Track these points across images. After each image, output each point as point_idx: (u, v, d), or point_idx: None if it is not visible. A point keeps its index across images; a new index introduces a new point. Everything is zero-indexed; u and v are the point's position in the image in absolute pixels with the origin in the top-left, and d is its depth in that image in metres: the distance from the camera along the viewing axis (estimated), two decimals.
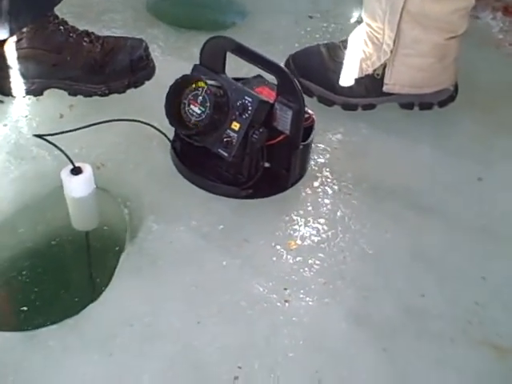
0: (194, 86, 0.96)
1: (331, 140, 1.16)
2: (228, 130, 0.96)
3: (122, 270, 0.91)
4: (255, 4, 1.58)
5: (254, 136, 0.94)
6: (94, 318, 0.85)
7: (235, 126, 0.95)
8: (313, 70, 1.20)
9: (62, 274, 0.98)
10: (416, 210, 1.04)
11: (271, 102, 0.96)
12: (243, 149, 0.96)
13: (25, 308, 0.91)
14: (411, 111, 1.23)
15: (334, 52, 1.20)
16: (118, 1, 1.50)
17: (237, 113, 0.95)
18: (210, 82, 0.95)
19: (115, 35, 1.21)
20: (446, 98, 1.22)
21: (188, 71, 1.02)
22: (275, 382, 0.79)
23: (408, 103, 1.21)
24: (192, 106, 0.96)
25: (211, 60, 1.02)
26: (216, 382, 0.78)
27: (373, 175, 1.09)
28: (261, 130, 0.95)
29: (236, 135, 0.95)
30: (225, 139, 0.96)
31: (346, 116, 1.21)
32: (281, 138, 0.99)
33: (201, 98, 0.95)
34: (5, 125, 1.13)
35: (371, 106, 1.21)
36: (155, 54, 1.31)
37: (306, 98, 1.18)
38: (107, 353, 0.80)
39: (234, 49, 0.99)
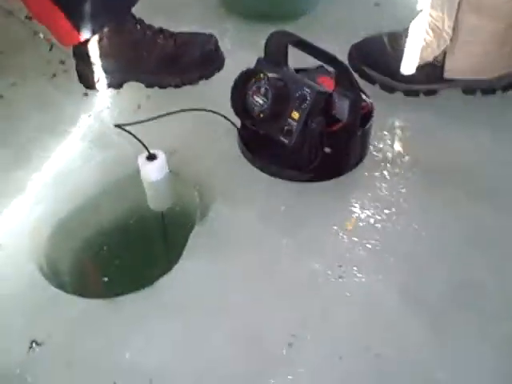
0: (256, 78, 1.03)
1: (392, 126, 1.21)
2: (288, 119, 1.02)
3: (191, 247, 1.01)
4: None
5: (313, 124, 1.01)
6: (166, 290, 0.94)
7: (295, 115, 1.02)
8: (375, 58, 1.25)
9: (138, 249, 1.09)
10: (473, 195, 1.07)
11: (329, 92, 1.02)
12: (303, 136, 1.03)
13: (106, 278, 1.03)
14: (474, 97, 1.25)
15: (396, 41, 1.23)
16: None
17: (296, 103, 1.01)
18: (271, 74, 1.02)
19: (187, 31, 1.30)
20: (509, 83, 1.23)
21: None
22: (327, 351, 0.86)
23: (470, 89, 1.24)
24: (255, 97, 1.04)
25: (274, 53, 1.09)
26: (272, 350, 0.86)
27: (431, 159, 1.13)
28: (319, 119, 1.01)
29: (296, 124, 1.02)
30: (286, 127, 1.03)
31: (407, 102, 1.25)
32: (340, 125, 1.05)
33: (263, 89, 1.02)
34: (89, 115, 1.25)
35: (433, 92, 1.24)
36: (226, 46, 1.39)
37: (368, 86, 1.26)
38: (178, 320, 0.90)
39: (295, 43, 1.05)
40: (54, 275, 1.04)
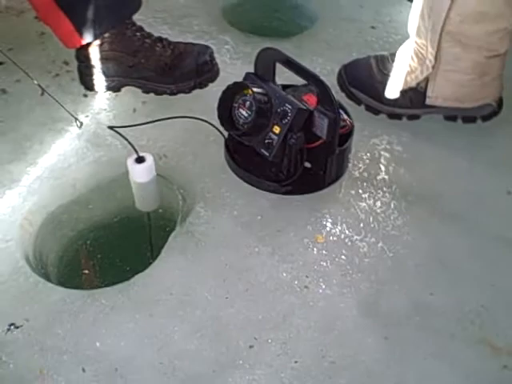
0: (242, 92, 1.09)
1: (374, 146, 1.26)
2: (270, 133, 1.08)
3: (170, 247, 1.06)
4: (324, 11, 1.68)
5: (292, 139, 1.06)
6: (140, 285, 1.00)
7: (276, 129, 1.07)
8: (362, 80, 1.30)
9: (119, 246, 1.15)
10: (442, 217, 1.12)
11: (310, 109, 1.07)
12: (283, 150, 1.08)
13: (86, 271, 1.09)
14: (455, 123, 1.30)
15: (383, 64, 1.29)
16: (198, 7, 1.65)
17: (278, 118, 1.07)
18: (256, 89, 1.07)
19: (185, 41, 1.36)
20: (489, 113, 1.28)
21: None
22: (285, 354, 0.91)
23: (451, 116, 1.29)
24: (241, 110, 1.09)
25: (263, 69, 1.15)
26: (234, 348, 0.92)
27: (406, 181, 1.18)
28: (298, 135, 1.06)
29: (276, 138, 1.07)
30: (267, 140, 1.08)
31: (390, 125, 1.30)
32: (319, 142, 1.10)
33: (248, 103, 1.08)
34: (87, 116, 1.31)
35: (416, 117, 1.29)
36: (224, 58, 1.45)
37: (354, 106, 1.31)
38: (148, 314, 0.96)
39: (282, 60, 1.11)
40: (39, 265, 1.10)
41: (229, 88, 1.10)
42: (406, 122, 1.30)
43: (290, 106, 1.06)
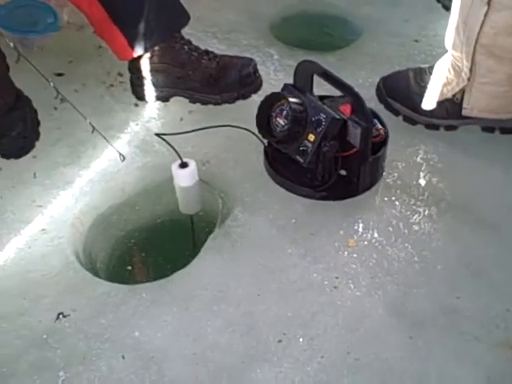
0: (280, 102, 1.14)
1: (410, 155, 1.29)
2: (305, 141, 1.13)
3: (208, 247, 1.13)
4: (369, 26, 1.73)
5: (326, 147, 1.11)
6: (179, 281, 1.07)
7: (311, 137, 1.12)
8: (399, 91, 1.34)
9: (163, 245, 1.22)
10: (473, 225, 1.14)
11: (343, 119, 1.12)
12: (317, 157, 1.13)
13: (129, 267, 1.16)
14: (492, 135, 1.32)
15: (420, 76, 1.32)
16: (246, 22, 1.72)
17: (313, 126, 1.12)
18: (292, 99, 1.13)
19: (230, 55, 1.43)
20: None
21: None
22: (311, 350, 0.96)
23: (489, 127, 1.31)
24: (278, 119, 1.15)
25: (301, 80, 1.20)
26: (263, 342, 0.97)
27: (440, 189, 1.21)
28: (332, 143, 1.11)
29: (311, 145, 1.12)
30: (302, 148, 1.14)
31: (427, 135, 1.33)
32: (354, 150, 1.15)
33: (285, 112, 1.14)
34: (137, 124, 1.39)
35: (453, 128, 1.32)
36: (268, 70, 1.52)
37: (392, 117, 1.35)
38: (184, 308, 1.02)
39: (319, 72, 1.16)
40: (88, 261, 1.18)
41: (267, 98, 1.16)
42: (443, 133, 1.33)
43: (324, 116, 1.11)
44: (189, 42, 1.39)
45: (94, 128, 1.23)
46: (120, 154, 1.28)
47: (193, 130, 1.30)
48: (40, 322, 1.02)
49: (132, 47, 1.32)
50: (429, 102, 1.29)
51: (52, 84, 1.21)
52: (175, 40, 1.36)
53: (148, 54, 1.35)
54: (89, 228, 1.23)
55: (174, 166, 1.22)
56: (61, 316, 1.03)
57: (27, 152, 1.31)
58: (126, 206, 1.29)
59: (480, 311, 1.00)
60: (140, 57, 1.35)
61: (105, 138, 1.27)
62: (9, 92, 1.31)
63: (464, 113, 1.27)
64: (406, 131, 1.33)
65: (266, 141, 1.26)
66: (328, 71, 1.15)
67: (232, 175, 1.27)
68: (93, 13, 1.31)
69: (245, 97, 1.41)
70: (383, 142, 1.18)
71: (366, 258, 1.09)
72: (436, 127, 1.32)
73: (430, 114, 1.31)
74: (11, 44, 1.18)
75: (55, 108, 1.43)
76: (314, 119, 1.12)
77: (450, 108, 1.29)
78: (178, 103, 1.44)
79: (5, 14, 1.57)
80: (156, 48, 1.35)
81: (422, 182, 1.23)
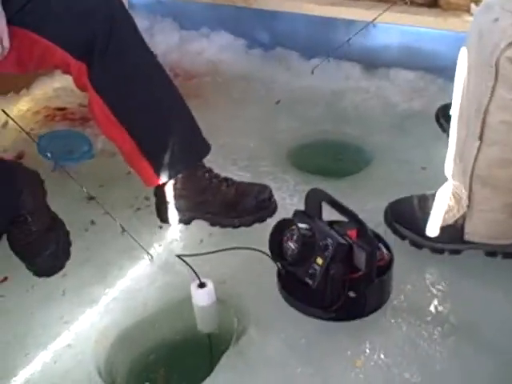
0: (290, 227, 1.24)
1: (416, 278, 1.36)
2: (314, 264, 1.21)
3: (222, 365, 1.19)
4: (380, 153, 1.85)
5: (333, 270, 1.19)
6: None
7: (319, 260, 1.21)
8: (405, 217, 1.43)
9: (178, 361, 1.28)
10: (477, 347, 1.18)
11: (349, 244, 1.21)
12: (325, 280, 1.21)
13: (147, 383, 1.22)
14: (495, 259, 1.38)
15: (424, 203, 1.41)
16: (265, 150, 1.86)
17: (321, 250, 1.21)
18: (302, 225, 1.23)
19: (247, 181, 1.56)
20: None
21: None
22: None
23: (491, 252, 1.37)
24: (289, 242, 1.24)
25: (311, 207, 1.30)
26: None
27: (444, 312, 1.26)
28: (339, 266, 1.19)
29: (319, 268, 1.20)
30: (311, 271, 1.22)
31: (433, 258, 1.40)
32: (360, 273, 1.22)
33: (295, 237, 1.23)
34: (160, 245, 1.50)
35: (457, 252, 1.39)
36: (283, 195, 1.63)
37: (399, 241, 1.43)
38: None
39: (326, 200, 1.26)
40: (108, 377, 1.24)
41: (278, 224, 1.26)
42: (447, 257, 1.40)
43: (331, 240, 1.20)
44: (210, 170, 1.52)
45: (123, 229, 1.33)
46: (148, 253, 1.37)
47: (211, 252, 1.40)
48: None
49: (158, 175, 1.45)
50: (432, 229, 1.38)
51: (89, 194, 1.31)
52: (197, 168, 1.49)
53: (172, 181, 1.48)
54: (111, 344, 1.30)
55: (193, 286, 1.31)
56: None
57: (58, 271, 1.41)
58: (147, 323, 1.37)
59: None
60: (165, 183, 1.48)
61: (134, 238, 1.36)
62: (45, 215, 1.43)
63: (466, 238, 1.35)
64: (413, 255, 1.40)
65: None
66: (334, 199, 1.25)
67: (247, 295, 1.34)
68: (123, 144, 1.45)
69: (261, 220, 1.51)
70: (388, 266, 1.26)
71: (372, 379, 1.13)
72: (441, 251, 1.40)
73: (435, 238, 1.39)
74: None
75: (86, 229, 1.55)
76: (321, 243, 1.21)
77: (453, 233, 1.36)
78: (199, 226, 1.54)
79: (45, 144, 1.75)
80: (179, 175, 1.47)
81: (428, 304, 1.28)
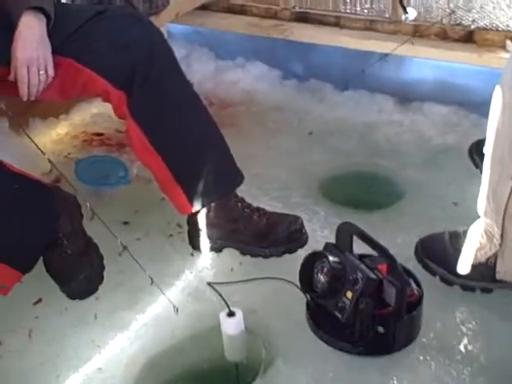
0: (321, 260, 1.25)
1: (446, 316, 1.35)
2: (343, 297, 1.22)
3: None
4: (412, 187, 1.84)
5: (362, 305, 1.19)
6: None
7: (348, 294, 1.21)
8: (436, 253, 1.42)
9: None
10: None
11: (379, 279, 1.21)
12: (354, 314, 1.21)
13: None
14: None
15: (456, 239, 1.41)
16: (297, 180, 1.87)
17: (351, 284, 1.21)
18: (332, 258, 1.24)
19: (279, 212, 1.58)
20: None
21: None
22: None
23: None
24: (319, 275, 1.25)
25: (342, 240, 1.31)
26: None
27: (474, 351, 1.26)
28: (368, 301, 1.20)
29: (349, 302, 1.21)
30: (340, 304, 1.22)
31: (463, 296, 1.39)
32: (390, 308, 1.22)
33: (325, 269, 1.24)
34: (191, 272, 1.52)
35: (488, 290, 1.38)
36: (314, 227, 1.64)
37: (430, 277, 1.42)
38: None
39: (357, 234, 1.27)
40: None
41: (309, 256, 1.27)
42: (478, 295, 1.39)
43: (361, 274, 1.21)
44: (242, 200, 1.54)
45: (152, 281, 1.35)
46: (174, 306, 1.39)
47: (242, 281, 1.41)
48: None
49: (191, 203, 1.48)
50: (464, 267, 1.37)
51: (120, 242, 1.34)
52: (230, 197, 1.52)
53: (205, 210, 1.50)
54: (140, 369, 1.32)
55: (222, 315, 1.32)
56: None
57: (91, 294, 1.44)
58: (176, 349, 1.38)
59: None
60: (198, 211, 1.50)
61: (162, 291, 1.38)
62: (81, 239, 1.47)
63: (498, 276, 1.34)
64: (443, 291, 1.40)
65: None
66: (365, 233, 1.26)
67: (276, 326, 1.35)
68: (159, 171, 1.48)
69: (291, 251, 1.52)
70: (418, 302, 1.25)
71: None
72: (472, 289, 1.39)
73: (466, 275, 1.38)
74: (87, 205, 1.33)
75: (119, 254, 1.57)
76: (352, 277, 1.22)
77: (485, 271, 1.36)
78: (230, 254, 1.56)
79: (82, 168, 1.80)
80: (212, 204, 1.50)
81: (457, 343, 1.28)
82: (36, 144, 1.31)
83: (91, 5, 1.79)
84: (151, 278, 1.35)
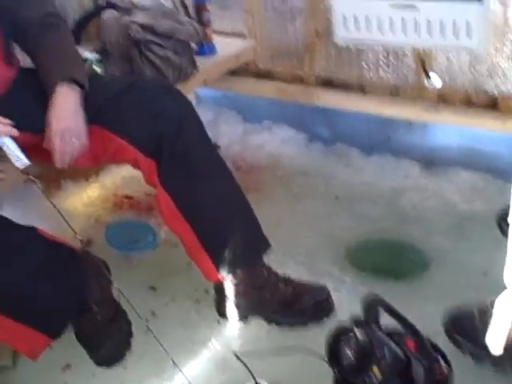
0: (348, 334, 1.25)
1: None
2: (370, 372, 1.21)
3: None
4: (440, 256, 1.83)
5: (389, 382, 1.19)
6: None
7: (375, 370, 1.20)
8: (465, 328, 1.41)
9: None
10: None
11: (407, 356, 1.20)
12: None
13: None
14: None
15: (485, 314, 1.40)
16: (324, 247, 1.87)
17: (378, 360, 1.21)
18: (359, 332, 1.23)
19: (305, 281, 1.59)
20: None
21: None
22: None
23: None
24: (346, 349, 1.25)
25: (368, 313, 1.31)
26: None
27: None
28: (396, 380, 1.18)
29: (375, 378, 1.20)
30: (367, 379, 1.21)
31: (495, 374, 1.36)
32: None
33: (352, 344, 1.24)
34: (217, 340, 1.52)
35: None
36: (341, 296, 1.63)
37: (459, 353, 1.40)
38: None
39: (384, 307, 1.27)
40: None
41: (336, 330, 1.27)
42: (511, 374, 1.36)
43: (388, 351, 1.20)
44: (269, 268, 1.55)
45: (174, 364, 1.34)
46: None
47: (268, 351, 1.41)
48: None
49: (217, 269, 1.50)
50: (496, 347, 1.34)
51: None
52: (256, 265, 1.53)
53: (231, 277, 1.52)
54: None
55: None
56: None
57: (118, 362, 1.45)
58: None
59: None
60: (224, 279, 1.52)
61: (182, 371, 1.34)
62: (110, 305, 1.49)
63: None
64: (473, 369, 1.37)
65: None
66: (392, 307, 1.26)
67: None
68: (186, 237, 1.51)
69: (318, 321, 1.52)
70: (446, 381, 1.24)
71: None
72: (503, 368, 1.36)
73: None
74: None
75: (147, 320, 1.59)
76: (379, 353, 1.21)
77: None
78: (257, 323, 1.56)
79: (112, 233, 1.83)
80: (238, 271, 1.51)
81: None
82: (60, 212, 1.30)
83: (123, 75, 1.85)
84: (173, 361, 1.33)
